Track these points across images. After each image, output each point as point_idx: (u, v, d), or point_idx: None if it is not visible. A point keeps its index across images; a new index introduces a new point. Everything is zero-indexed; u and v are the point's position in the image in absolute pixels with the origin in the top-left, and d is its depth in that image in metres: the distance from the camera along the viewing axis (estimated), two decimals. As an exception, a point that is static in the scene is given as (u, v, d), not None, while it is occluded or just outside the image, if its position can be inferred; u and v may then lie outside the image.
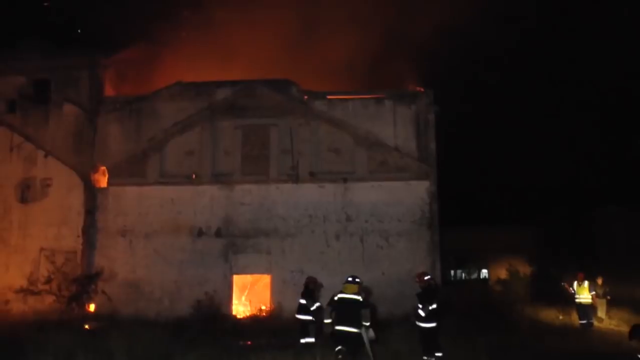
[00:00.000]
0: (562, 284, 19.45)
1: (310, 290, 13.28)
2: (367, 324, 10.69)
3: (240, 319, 18.71)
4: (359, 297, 10.80)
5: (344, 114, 20.66)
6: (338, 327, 10.56)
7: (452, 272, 32.13)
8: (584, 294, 18.19)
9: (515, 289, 23.60)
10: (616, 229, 28.46)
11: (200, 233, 20.26)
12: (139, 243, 20.35)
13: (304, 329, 12.68)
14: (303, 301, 12.91)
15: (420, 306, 11.34)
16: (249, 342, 14.15)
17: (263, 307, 19.28)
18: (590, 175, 33.33)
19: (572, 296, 18.59)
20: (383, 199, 19.82)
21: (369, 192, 19.93)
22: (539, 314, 19.97)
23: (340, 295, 10.90)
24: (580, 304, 18.26)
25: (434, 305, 11.25)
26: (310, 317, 12.66)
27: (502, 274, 28.52)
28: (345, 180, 20.11)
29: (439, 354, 11.05)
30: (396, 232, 19.66)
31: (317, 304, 12.86)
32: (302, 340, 12.36)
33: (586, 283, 18.35)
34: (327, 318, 11.03)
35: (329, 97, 20.98)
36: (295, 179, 20.34)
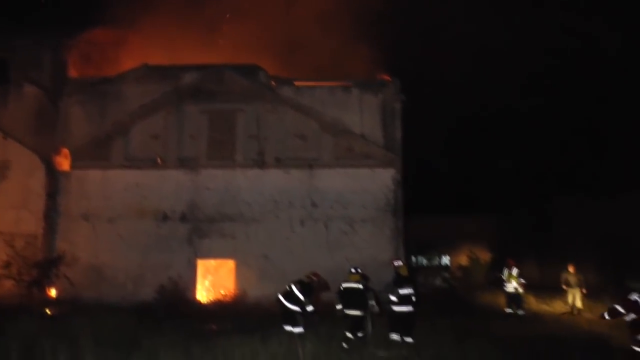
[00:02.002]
0: (495, 272, 19.00)
1: (309, 285, 13.07)
2: (372, 302, 12.56)
3: (204, 304, 18.73)
4: (360, 285, 12.40)
5: (311, 101, 20.74)
6: (346, 311, 12.26)
7: (414, 258, 32.63)
8: (512, 282, 17.52)
9: (475, 275, 24.12)
10: (575, 218, 29.17)
11: (165, 217, 20.15)
12: (102, 227, 20.14)
13: (291, 317, 12.56)
14: (300, 295, 12.75)
15: (391, 291, 12.38)
16: (214, 327, 14.14)
17: (227, 292, 19.29)
18: (554, 164, 34.10)
19: (502, 284, 18.02)
20: (348, 185, 20.00)
21: (334, 178, 20.08)
22: (498, 300, 20.48)
23: (345, 285, 12.53)
24: (508, 292, 17.65)
25: (406, 290, 12.19)
26: (299, 309, 12.63)
27: (463, 260, 29.20)
28: (310, 167, 20.22)
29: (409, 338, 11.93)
30: (360, 218, 19.89)
31: (311, 308, 12.80)
32: (295, 330, 12.13)
33: (515, 271, 17.60)
34: (337, 304, 12.50)
35: (296, 83, 21.03)
36: (261, 164, 20.37)
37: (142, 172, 20.44)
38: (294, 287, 12.90)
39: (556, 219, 30.69)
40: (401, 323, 12.26)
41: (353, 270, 12.94)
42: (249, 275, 19.37)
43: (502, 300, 18.80)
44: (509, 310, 17.30)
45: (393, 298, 12.36)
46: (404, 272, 12.99)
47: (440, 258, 34.43)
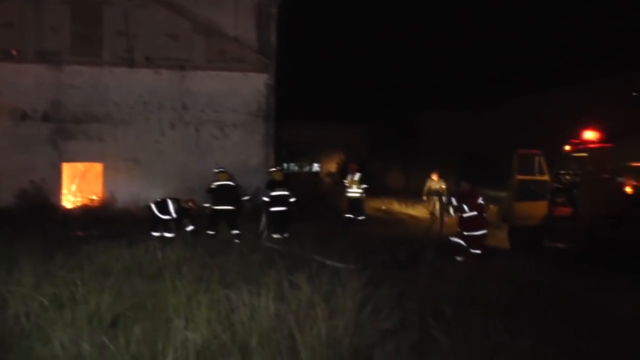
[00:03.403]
0: (343, 180, 19.04)
1: (185, 209, 13.22)
2: (247, 197, 14.50)
3: (70, 209, 18.18)
4: (232, 183, 13.83)
5: (183, -1, 19.82)
6: (217, 207, 13.45)
7: (286, 165, 33.39)
8: (353, 187, 16.99)
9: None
10: (441, 129, 31.00)
11: (24, 116, 18.84)
12: (-50, 126, 18.49)
13: (163, 223, 12.97)
14: (172, 212, 12.98)
15: (264, 193, 14.43)
16: (80, 233, 13.87)
17: (94, 197, 18.82)
18: (423, 78, 35.41)
19: (344, 189, 17.49)
20: (220, 89, 19.75)
21: (206, 81, 19.71)
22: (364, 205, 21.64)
23: (217, 183, 13.71)
24: (349, 198, 17.17)
25: (278, 192, 14.10)
26: (170, 218, 12.91)
27: (333, 167, 30.35)
28: (182, 68, 19.66)
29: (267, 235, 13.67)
30: (232, 122, 19.90)
31: (191, 227, 13.18)
32: (167, 234, 12.71)
33: (357, 176, 17.05)
34: (207, 203, 13.82)
35: (167, -22, 19.92)
36: (130, 63, 19.46)
37: (-5, 64, 18.75)
38: (169, 203, 13.05)
39: (423, 130, 32.45)
40: (278, 221, 13.93)
41: (222, 168, 14.25)
42: (118, 179, 18.94)
43: (373, 205, 19.89)
44: (348, 215, 16.88)
45: (266, 199, 14.17)
46: (278, 176, 14.62)
47: (311, 165, 35.41)
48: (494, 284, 8.39)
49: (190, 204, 13.43)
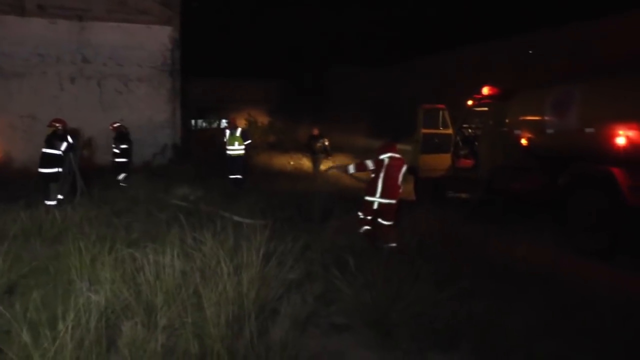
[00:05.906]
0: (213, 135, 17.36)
1: (60, 135, 12.14)
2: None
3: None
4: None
5: (82, -56, 18.60)
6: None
7: (194, 121, 32.63)
8: (234, 144, 15.08)
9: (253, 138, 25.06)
10: (349, 85, 31.25)
11: None
12: None
13: (46, 185, 11.80)
14: (55, 151, 11.79)
15: (114, 146, 15.47)
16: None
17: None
18: (332, 35, 35.33)
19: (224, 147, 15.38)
20: (123, 41, 18.91)
21: (107, 33, 18.79)
22: (272, 161, 21.66)
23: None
24: (230, 156, 15.12)
25: (124, 145, 15.42)
26: (59, 169, 11.90)
27: (242, 123, 29.99)
28: (80, 18, 18.60)
29: (122, 177, 15.03)
30: (136, 77, 19.19)
31: (66, 144, 11.93)
32: (48, 203, 11.27)
33: (238, 131, 15.28)
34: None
35: None
36: (21, 11, 18.16)
37: None
38: (45, 150, 12.06)
39: (331, 86, 32.59)
40: (118, 170, 15.27)
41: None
42: (14, 137, 17.79)
43: (281, 160, 19.66)
44: (232, 177, 14.97)
45: (116, 150, 15.38)
46: (125, 130, 15.79)
47: (219, 121, 34.83)
48: (398, 234, 8.69)
49: (56, 125, 12.20)
